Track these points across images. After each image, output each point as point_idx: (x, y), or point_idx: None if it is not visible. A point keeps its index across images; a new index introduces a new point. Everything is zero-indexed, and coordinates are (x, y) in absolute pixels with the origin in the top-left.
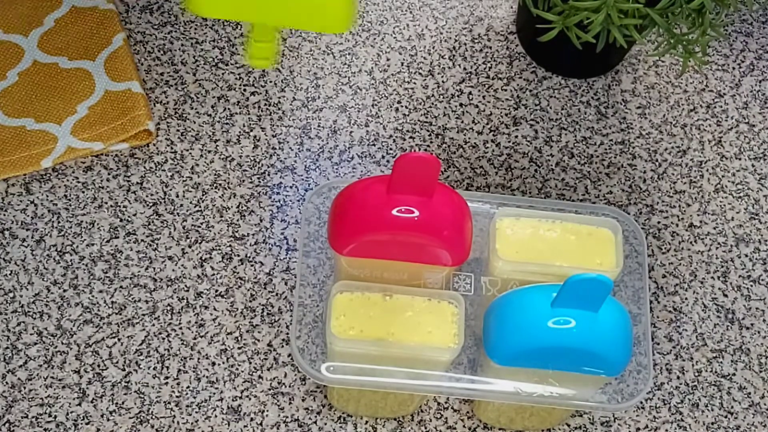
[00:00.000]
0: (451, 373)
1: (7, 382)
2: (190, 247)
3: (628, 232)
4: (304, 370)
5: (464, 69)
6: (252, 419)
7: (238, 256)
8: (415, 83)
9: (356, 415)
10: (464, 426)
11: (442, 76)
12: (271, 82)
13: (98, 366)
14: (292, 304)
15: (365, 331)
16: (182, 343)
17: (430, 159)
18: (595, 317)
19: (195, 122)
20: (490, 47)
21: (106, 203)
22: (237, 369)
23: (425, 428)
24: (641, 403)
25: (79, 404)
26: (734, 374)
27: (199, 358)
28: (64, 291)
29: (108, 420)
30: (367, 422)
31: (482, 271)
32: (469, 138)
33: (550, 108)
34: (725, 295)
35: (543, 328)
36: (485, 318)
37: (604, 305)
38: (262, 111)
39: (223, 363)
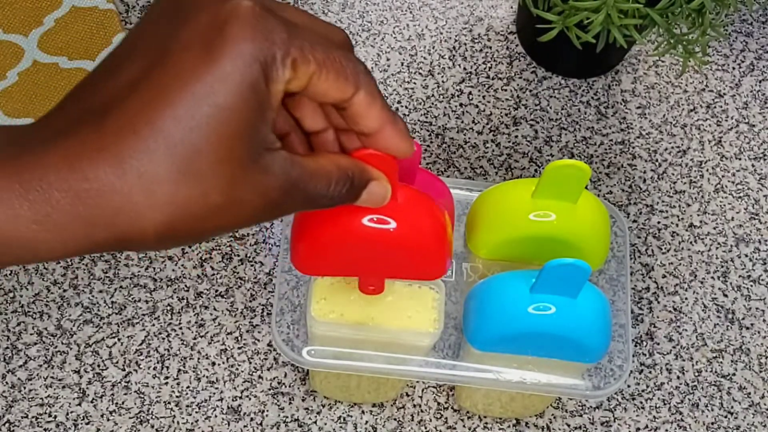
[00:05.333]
0: (431, 359)
1: (7, 382)
2: (190, 247)
3: (612, 218)
4: (284, 353)
5: (464, 69)
6: (252, 419)
7: (238, 256)
8: (415, 83)
9: (333, 398)
10: (464, 426)
11: (442, 76)
12: None
13: (98, 366)
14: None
15: (345, 315)
16: (182, 343)
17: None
18: (573, 303)
19: None
20: (490, 47)
21: None
22: (237, 369)
23: (425, 428)
24: (641, 403)
25: (79, 404)
26: (734, 374)
27: (199, 358)
28: (64, 291)
29: (108, 420)
30: (367, 422)
31: (464, 258)
32: (469, 138)
33: (550, 108)
34: (725, 295)
35: (523, 313)
36: (465, 304)
37: (583, 291)
38: None
39: (223, 363)
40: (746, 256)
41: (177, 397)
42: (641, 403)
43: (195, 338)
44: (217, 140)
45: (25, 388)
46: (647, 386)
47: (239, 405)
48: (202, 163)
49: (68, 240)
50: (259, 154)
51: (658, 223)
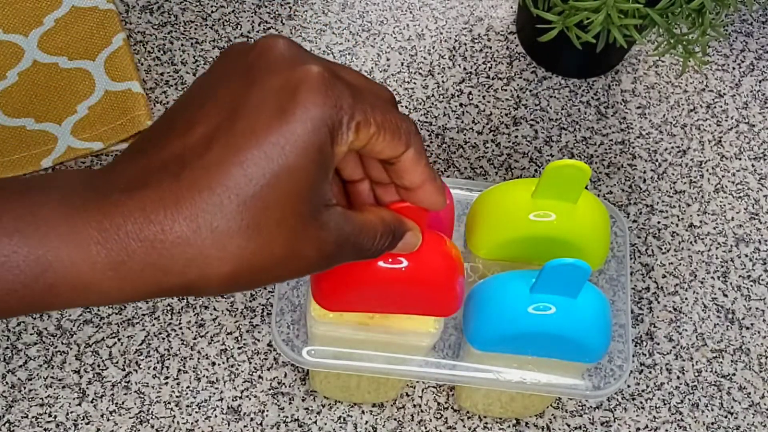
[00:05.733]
0: (431, 359)
1: (7, 382)
2: None
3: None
4: (284, 353)
5: (464, 69)
6: (252, 419)
7: None
8: (415, 83)
9: (333, 398)
10: (464, 426)
11: (442, 76)
12: None
13: (98, 366)
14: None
15: (345, 315)
16: (182, 343)
17: None
18: (574, 303)
19: None
20: (490, 47)
21: None
22: (237, 369)
23: (425, 428)
24: (641, 403)
25: (79, 404)
26: (734, 374)
27: (199, 358)
28: None
29: (108, 420)
30: (367, 422)
31: (463, 258)
32: (469, 138)
33: (550, 108)
34: (725, 295)
35: (523, 313)
36: (465, 303)
37: (583, 291)
38: None
39: (223, 363)
40: (746, 256)
41: (177, 397)
42: (641, 403)
43: (195, 338)
44: (284, 198)
45: (25, 388)
46: (647, 386)
47: (239, 405)
48: (269, 219)
49: (139, 286)
50: (318, 211)
51: (658, 223)
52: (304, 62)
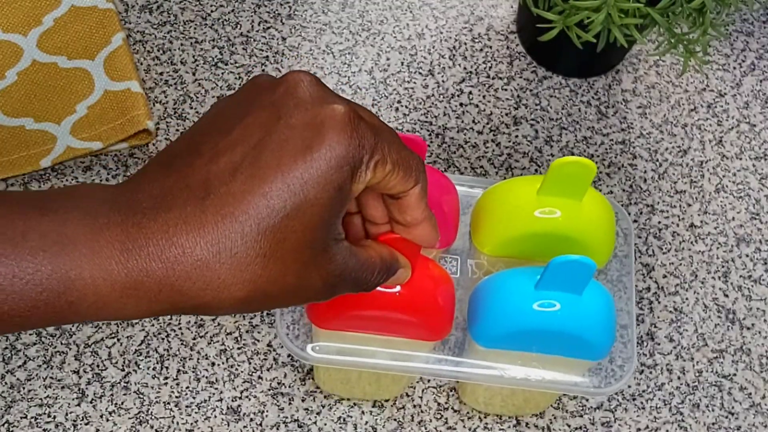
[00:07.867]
0: (436, 355)
1: (6, 383)
2: None
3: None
4: (289, 349)
5: (464, 68)
6: (252, 419)
7: None
8: (415, 83)
9: (335, 393)
10: (464, 426)
11: (442, 76)
12: None
13: (97, 366)
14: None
15: None
16: (182, 344)
17: (416, 140)
18: (578, 300)
19: (194, 122)
20: (491, 47)
21: None
22: (236, 369)
23: (425, 428)
24: (642, 403)
25: (79, 404)
26: (735, 374)
27: (198, 359)
28: None
29: (107, 420)
30: (367, 423)
31: (468, 254)
32: (470, 138)
33: (551, 108)
34: (726, 296)
35: (528, 310)
36: (470, 300)
37: (588, 288)
38: None
39: (223, 363)
40: (747, 256)
41: (176, 397)
42: (642, 403)
43: (194, 338)
44: (301, 230)
45: (24, 388)
46: (648, 386)
47: (239, 405)
48: (285, 249)
49: (154, 305)
50: (329, 244)
51: (659, 223)
52: (331, 101)
